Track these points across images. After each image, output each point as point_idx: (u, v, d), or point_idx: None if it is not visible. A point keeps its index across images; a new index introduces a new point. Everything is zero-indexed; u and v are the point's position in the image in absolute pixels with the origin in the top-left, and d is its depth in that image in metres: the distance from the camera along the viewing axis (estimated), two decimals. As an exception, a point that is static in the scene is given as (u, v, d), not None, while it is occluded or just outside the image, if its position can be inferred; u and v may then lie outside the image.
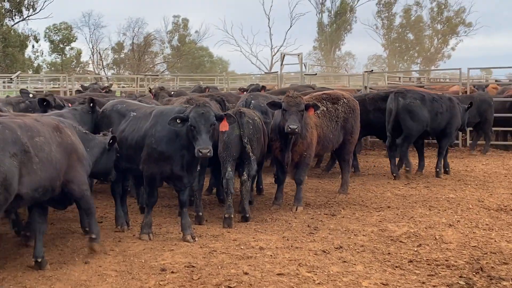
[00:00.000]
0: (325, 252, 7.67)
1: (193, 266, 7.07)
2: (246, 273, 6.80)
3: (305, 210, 10.02)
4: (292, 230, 8.74)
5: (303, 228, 8.85)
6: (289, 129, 9.12)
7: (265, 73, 38.78)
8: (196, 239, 8.18)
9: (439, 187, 11.75)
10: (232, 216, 9.04)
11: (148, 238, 8.19)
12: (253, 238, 8.30)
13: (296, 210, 9.88)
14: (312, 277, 6.66)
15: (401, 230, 8.63)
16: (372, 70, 20.01)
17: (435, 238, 8.22)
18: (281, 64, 23.85)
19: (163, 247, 7.87)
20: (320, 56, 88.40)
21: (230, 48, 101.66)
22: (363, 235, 8.44)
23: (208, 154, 7.48)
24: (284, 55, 24.34)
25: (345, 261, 7.28)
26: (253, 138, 9.30)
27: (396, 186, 11.99)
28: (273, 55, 76.19)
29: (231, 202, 9.03)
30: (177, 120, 7.71)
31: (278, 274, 6.78)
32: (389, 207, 10.11)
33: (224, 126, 8.06)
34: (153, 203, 8.31)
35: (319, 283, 6.51)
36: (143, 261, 7.31)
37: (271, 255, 7.48)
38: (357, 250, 7.78)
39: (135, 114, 8.58)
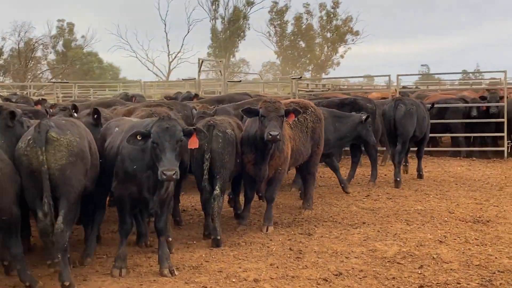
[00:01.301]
0: (326, 280, 6.85)
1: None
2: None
3: (276, 230, 9.10)
4: (276, 255, 7.82)
5: (286, 252, 7.96)
6: (270, 136, 8.10)
7: (183, 79, 37.31)
8: (176, 272, 7.04)
9: (402, 198, 11.21)
10: (219, 237, 8.28)
11: (119, 273, 6.98)
12: (239, 267, 7.32)
13: (267, 230, 8.94)
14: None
15: (392, 250, 7.94)
16: (300, 77, 19.39)
17: (433, 258, 7.59)
18: (199, 71, 22.79)
19: (141, 284, 6.72)
20: (214, 63, 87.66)
21: (124, 54, 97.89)
22: (356, 258, 7.68)
23: (174, 176, 6.34)
24: (202, 61, 23.31)
25: (357, 292, 6.43)
26: (224, 152, 8.32)
27: (357, 198, 11.34)
28: (171, 61, 74.55)
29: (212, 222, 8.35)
30: (137, 137, 6.58)
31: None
32: (364, 223, 9.40)
33: (193, 143, 6.93)
34: (127, 231, 7.13)
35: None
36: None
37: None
38: (359, 276, 7.00)
39: (117, 129, 7.42)
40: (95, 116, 8.48)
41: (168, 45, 75.41)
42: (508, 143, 16.88)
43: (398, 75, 18.50)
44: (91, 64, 78.87)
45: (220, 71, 25.14)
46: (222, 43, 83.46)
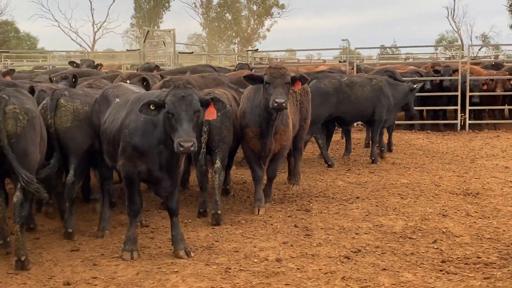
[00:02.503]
0: (348, 258, 6.62)
1: (222, 293, 5.62)
2: (294, 296, 5.51)
3: (271, 206, 8.84)
4: (284, 233, 7.54)
5: (293, 230, 7.70)
6: (275, 104, 7.60)
7: (127, 50, 35.96)
8: (192, 254, 6.65)
9: (384, 172, 11.14)
10: (220, 212, 7.97)
11: (130, 257, 6.51)
12: (253, 246, 6.99)
13: (259, 212, 8.48)
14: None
15: (399, 225, 7.82)
16: (257, 49, 18.93)
17: (443, 232, 7.51)
18: (144, 41, 21.92)
19: (159, 268, 6.27)
20: (138, 34, 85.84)
21: (46, 23, 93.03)
22: (366, 233, 7.51)
23: (192, 148, 5.82)
24: (148, 31, 22.40)
25: (384, 269, 6.28)
26: (222, 125, 8.00)
27: (339, 173, 11.17)
28: (96, 31, 72.07)
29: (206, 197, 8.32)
30: (151, 106, 6.05)
31: (334, 294, 5.57)
32: (357, 197, 9.25)
33: (210, 114, 6.43)
34: (136, 211, 6.65)
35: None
36: (149, 291, 5.70)
37: (298, 269, 6.26)
38: (378, 253, 6.82)
39: (118, 100, 6.84)
40: (145, 83, 9.27)
41: (92, 15, 72.69)
42: (461, 116, 17.15)
43: (356, 48, 18.39)
44: (7, 34, 75.09)
45: (164, 42, 24.28)
46: (146, 14, 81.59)
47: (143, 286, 5.81)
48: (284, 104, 7.58)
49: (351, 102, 11.79)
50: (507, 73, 17.86)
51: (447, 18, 70.53)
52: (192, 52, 25.00)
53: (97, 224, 7.64)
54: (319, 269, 6.21)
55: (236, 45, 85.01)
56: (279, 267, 6.27)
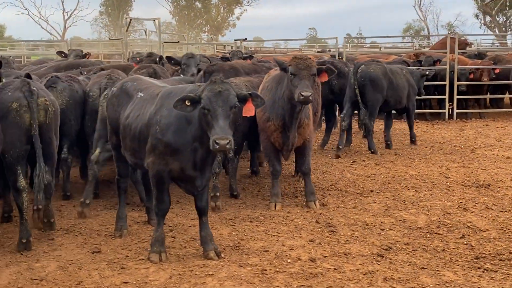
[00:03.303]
0: (382, 256, 6.35)
1: (262, 297, 5.30)
2: (340, 301, 5.22)
3: (286, 200, 8.52)
4: (307, 230, 7.25)
5: (315, 226, 7.41)
6: (302, 97, 7.23)
7: (110, 39, 35.07)
8: (222, 254, 6.30)
9: (390, 163, 10.90)
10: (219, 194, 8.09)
11: (159, 259, 6.13)
12: (282, 245, 6.68)
13: (316, 205, 8.17)
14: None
15: (422, 219, 7.60)
16: (245, 39, 18.50)
17: (468, 227, 7.31)
18: (126, 30, 21.32)
19: (191, 270, 5.92)
20: (107, 22, 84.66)
21: (15, 11, 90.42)
22: (391, 229, 7.27)
23: (228, 146, 5.47)
24: (131, 20, 21.79)
25: (422, 268, 6.05)
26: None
27: (345, 165, 10.87)
28: (66, 20, 70.48)
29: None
30: (186, 102, 5.67)
31: (380, 297, 5.29)
32: (371, 191, 8.99)
33: (248, 110, 6.03)
34: (164, 211, 6.26)
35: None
36: (187, 296, 5.35)
37: (335, 269, 5.99)
38: (409, 250, 6.59)
39: (142, 95, 6.40)
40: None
41: (63, 3, 71.09)
42: (449, 105, 17.04)
43: (344, 38, 18.11)
44: (-28, 22, 72.98)
45: (145, 31, 23.68)
46: (115, 1, 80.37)
47: (180, 291, 5.45)
48: (310, 97, 7.24)
49: (394, 89, 11.93)
50: (492, 62, 17.77)
51: (414, 7, 70.60)
52: (179, 41, 24.30)
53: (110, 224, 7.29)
54: (357, 269, 5.94)
55: (206, 33, 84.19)
56: (315, 268, 5.99)
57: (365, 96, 11.36)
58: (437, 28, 72.49)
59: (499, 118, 17.27)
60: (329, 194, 8.87)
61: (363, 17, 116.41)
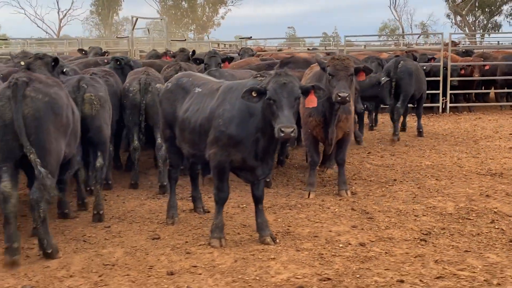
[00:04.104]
0: (425, 241, 6.45)
1: (329, 279, 5.38)
2: (401, 281, 5.32)
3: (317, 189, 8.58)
4: (345, 217, 7.35)
5: (352, 213, 7.51)
6: (339, 98, 7.31)
7: (117, 37, 34.70)
8: (277, 240, 6.36)
9: (404, 154, 11.05)
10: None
11: (219, 244, 6.18)
12: (329, 231, 6.76)
13: (347, 194, 8.25)
14: (490, 279, 5.37)
15: (450, 206, 7.71)
16: (251, 37, 18.51)
17: (495, 213, 7.43)
18: (133, 29, 21.15)
19: (253, 254, 5.99)
20: (97, 21, 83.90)
21: (12, 11, 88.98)
22: (424, 216, 7.37)
23: (292, 134, 5.53)
24: (137, 19, 21.62)
25: (466, 251, 6.15)
26: None
27: (363, 156, 10.99)
28: (61, 19, 69.70)
29: None
30: (252, 93, 5.72)
31: (438, 278, 5.39)
32: (395, 180, 9.10)
33: (311, 101, 6.09)
34: (224, 199, 6.31)
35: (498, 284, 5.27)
36: (257, 278, 5.40)
37: (386, 253, 6.10)
38: (447, 235, 6.69)
39: (200, 90, 6.40)
40: None
41: (58, 2, 70.29)
42: (442, 100, 17.25)
43: (345, 36, 18.23)
44: (-33, 21, 71.79)
45: (148, 30, 23.52)
46: (106, 1, 79.73)
47: (247, 273, 5.51)
48: (347, 98, 7.31)
49: (419, 82, 12.61)
50: (482, 59, 18.03)
51: (389, 7, 71.00)
52: (185, 40, 24.20)
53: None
54: (406, 253, 6.03)
55: (192, 32, 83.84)
56: (367, 252, 6.07)
57: (401, 88, 12.04)
58: (411, 28, 73.06)
59: (487, 111, 17.52)
60: (355, 183, 8.95)
61: (337, 16, 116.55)
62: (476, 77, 17.30)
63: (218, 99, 6.10)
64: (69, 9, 70.51)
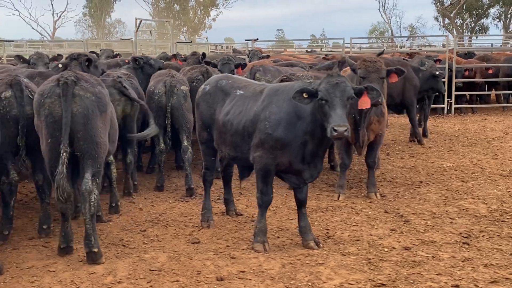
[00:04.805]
0: (468, 244, 6.29)
1: (383, 285, 5.21)
2: (456, 286, 5.16)
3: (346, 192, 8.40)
4: (381, 220, 7.18)
5: (386, 216, 7.35)
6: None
7: (121, 39, 34.29)
8: (320, 244, 6.18)
9: (423, 156, 10.91)
10: None
11: (263, 248, 5.99)
12: (369, 234, 6.59)
13: (377, 196, 8.08)
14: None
15: (482, 208, 7.58)
16: (257, 39, 18.33)
17: (529, 213, 7.28)
18: (136, 31, 20.89)
19: (299, 259, 5.82)
20: (90, 23, 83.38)
21: (7, 12, 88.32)
22: (459, 218, 7.22)
23: (346, 133, 5.35)
24: (141, 21, 21.34)
25: (512, 254, 5.97)
26: None
27: (383, 157, 10.78)
28: (56, 20, 69.13)
29: None
30: (304, 94, 5.53)
31: (492, 282, 5.24)
32: (421, 182, 8.95)
33: (364, 103, 5.93)
34: (268, 203, 6.11)
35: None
36: (309, 284, 5.23)
37: (433, 257, 5.93)
38: (487, 237, 6.55)
39: (242, 92, 6.19)
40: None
41: (52, 4, 69.73)
42: (447, 101, 17.16)
43: (351, 38, 18.08)
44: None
45: (150, 32, 23.21)
46: (98, 3, 79.33)
47: (298, 279, 5.33)
48: (379, 100, 7.10)
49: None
50: (485, 62, 17.97)
51: (379, 10, 71.08)
52: (191, 42, 23.94)
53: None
54: (453, 257, 5.86)
55: (184, 34, 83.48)
56: (414, 256, 5.90)
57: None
58: (400, 30, 73.18)
59: (489, 112, 17.44)
60: (381, 185, 8.79)
61: (325, 19, 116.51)
62: (481, 79, 17.19)
63: (264, 102, 5.91)
64: (64, 11, 69.62)
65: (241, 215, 7.36)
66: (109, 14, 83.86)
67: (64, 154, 5.48)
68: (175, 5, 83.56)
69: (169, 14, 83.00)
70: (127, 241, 6.40)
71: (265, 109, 5.86)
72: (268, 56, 14.98)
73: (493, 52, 21.74)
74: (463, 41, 46.84)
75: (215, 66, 10.89)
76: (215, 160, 6.97)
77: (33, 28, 70.33)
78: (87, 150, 5.63)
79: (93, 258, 5.61)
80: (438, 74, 12.20)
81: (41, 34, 67.96)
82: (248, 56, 15.25)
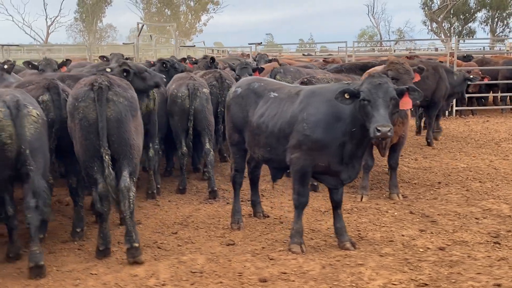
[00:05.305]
0: (499, 244, 6.29)
1: (425, 284, 5.19)
2: (498, 285, 5.15)
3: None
4: (407, 220, 7.18)
5: (412, 217, 7.35)
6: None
7: (123, 43, 34.08)
8: (356, 245, 6.15)
9: (436, 157, 10.92)
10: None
11: (300, 250, 5.95)
12: (401, 235, 6.57)
13: (399, 197, 8.06)
14: None
15: (505, 208, 7.61)
16: (261, 43, 18.29)
17: (552, 214, 7.29)
18: (138, 35, 20.76)
19: (338, 260, 5.78)
20: (82, 28, 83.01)
21: (1, 18, 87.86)
22: (484, 218, 7.23)
23: (389, 133, 5.32)
24: (143, 26, 21.20)
25: (545, 253, 5.96)
26: None
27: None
28: (49, 25, 68.75)
29: None
30: (345, 95, 5.49)
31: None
32: (439, 182, 8.96)
33: (406, 103, 5.87)
34: (304, 204, 6.07)
35: None
36: (353, 285, 5.19)
37: (468, 256, 5.92)
38: (518, 237, 6.50)
39: (276, 95, 6.15)
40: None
41: (45, 9, 69.39)
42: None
43: (354, 42, 18.11)
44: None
45: (151, 36, 23.12)
46: (90, 8, 79.05)
47: (341, 280, 5.29)
48: (418, 103, 7.08)
49: None
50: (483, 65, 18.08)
51: (368, 15, 71.39)
52: (194, 45, 23.87)
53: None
54: (488, 256, 5.85)
55: (174, 38, 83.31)
56: (450, 256, 5.89)
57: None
58: (388, 34, 73.54)
59: (488, 114, 17.55)
60: (401, 186, 8.76)
61: (313, 23, 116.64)
62: (485, 81, 17.28)
63: (301, 104, 5.87)
64: (57, 16, 69.23)
65: (268, 216, 7.31)
66: (100, 19, 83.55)
67: (107, 157, 5.56)
68: (166, 10, 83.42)
69: (160, 19, 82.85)
70: (161, 243, 6.33)
71: (302, 110, 5.83)
72: (276, 60, 14.94)
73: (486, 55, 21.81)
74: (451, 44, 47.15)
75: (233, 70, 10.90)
76: (245, 162, 6.92)
77: (26, 33, 69.88)
78: (122, 152, 5.73)
79: (133, 254, 5.62)
80: (472, 78, 12.40)
81: (34, 39, 67.43)
82: (254, 60, 15.20)
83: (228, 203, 7.97)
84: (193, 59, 12.68)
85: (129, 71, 7.10)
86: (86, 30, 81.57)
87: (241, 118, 6.53)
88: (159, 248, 6.18)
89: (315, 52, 35.41)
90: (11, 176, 5.35)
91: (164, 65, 9.86)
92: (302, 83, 7.98)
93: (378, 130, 5.27)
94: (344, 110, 5.62)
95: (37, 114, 5.51)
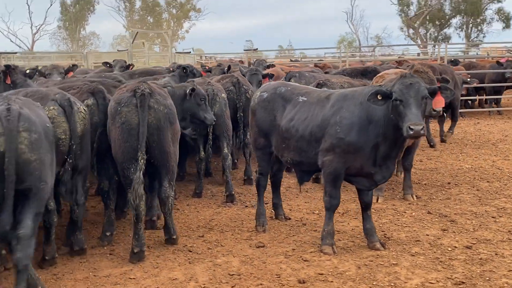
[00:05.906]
0: (523, 243, 6.28)
1: (462, 282, 5.20)
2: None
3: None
4: (427, 221, 7.18)
5: (431, 217, 7.34)
6: (434, 112, 7.06)
7: (118, 50, 33.69)
8: (385, 245, 6.13)
9: (439, 158, 10.97)
10: None
11: (332, 251, 5.92)
12: (426, 234, 6.58)
13: (412, 197, 8.08)
14: None
15: (519, 207, 7.60)
16: (256, 49, 18.23)
17: None
18: (132, 42, 20.61)
19: (371, 261, 5.75)
20: (65, 35, 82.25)
21: None
22: (500, 217, 7.28)
23: (422, 132, 5.31)
24: (137, 32, 21.04)
25: None
26: None
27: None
28: (35, 33, 67.97)
29: None
30: (378, 96, 5.50)
31: None
32: (449, 183, 9.00)
33: (438, 102, 5.85)
34: (335, 206, 6.04)
35: None
36: (392, 285, 5.19)
37: (496, 254, 5.95)
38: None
39: (305, 99, 6.12)
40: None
41: (30, 17, 68.65)
42: (440, 106, 17.34)
43: (345, 47, 18.08)
44: None
45: (143, 43, 22.95)
46: (73, 16, 78.43)
47: (379, 280, 5.29)
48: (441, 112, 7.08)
49: None
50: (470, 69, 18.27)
51: (347, 21, 71.83)
52: (190, 52, 23.72)
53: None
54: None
55: (158, 46, 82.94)
56: (478, 254, 5.91)
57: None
58: (367, 40, 74.07)
59: (477, 116, 17.74)
60: (414, 188, 8.75)
61: (292, 30, 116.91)
62: (475, 84, 17.44)
63: (333, 107, 5.85)
64: (42, 24, 68.51)
65: (289, 219, 7.26)
66: (83, 27, 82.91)
67: (142, 161, 5.64)
68: (149, 17, 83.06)
69: (143, 26, 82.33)
70: (191, 246, 6.25)
71: (335, 114, 5.80)
72: (273, 65, 14.91)
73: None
74: (426, 50, 47.68)
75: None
76: (270, 166, 6.87)
77: (12, 41, 68.98)
78: (159, 158, 5.91)
79: (172, 242, 6.22)
80: (469, 82, 12.97)
81: (19, 47, 66.61)
82: (253, 65, 15.15)
83: (246, 206, 7.92)
84: (206, 67, 12.63)
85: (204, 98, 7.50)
86: (69, 38, 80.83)
87: (268, 122, 6.48)
88: (190, 251, 6.10)
89: (300, 58, 35.46)
90: (58, 172, 5.37)
91: (184, 71, 9.83)
92: (318, 85, 7.95)
93: (411, 129, 5.27)
94: (377, 112, 5.61)
95: (85, 111, 5.72)
